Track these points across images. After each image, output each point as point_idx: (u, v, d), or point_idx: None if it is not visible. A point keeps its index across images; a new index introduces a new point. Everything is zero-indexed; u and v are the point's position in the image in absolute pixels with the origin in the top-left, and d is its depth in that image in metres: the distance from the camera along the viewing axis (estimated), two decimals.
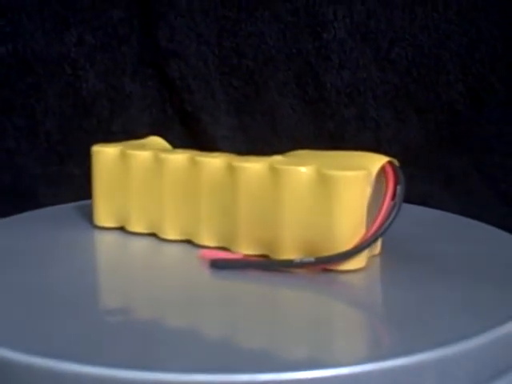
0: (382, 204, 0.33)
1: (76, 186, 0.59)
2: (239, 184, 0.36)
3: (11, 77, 0.60)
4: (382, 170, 0.34)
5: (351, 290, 0.33)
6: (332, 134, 0.60)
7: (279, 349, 0.27)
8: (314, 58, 0.60)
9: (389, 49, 0.59)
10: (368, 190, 0.34)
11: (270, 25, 0.60)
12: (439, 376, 0.26)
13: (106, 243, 0.40)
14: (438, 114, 0.58)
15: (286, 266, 0.34)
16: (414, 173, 0.56)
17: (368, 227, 0.34)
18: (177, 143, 0.43)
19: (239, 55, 0.61)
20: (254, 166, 0.35)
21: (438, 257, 0.37)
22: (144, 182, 0.39)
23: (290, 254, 0.34)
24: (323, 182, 0.33)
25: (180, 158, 0.38)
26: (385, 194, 0.34)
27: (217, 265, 0.35)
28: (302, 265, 0.33)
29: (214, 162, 0.37)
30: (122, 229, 0.41)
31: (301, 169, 0.34)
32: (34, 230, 0.42)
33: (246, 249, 0.36)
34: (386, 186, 0.34)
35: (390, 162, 0.35)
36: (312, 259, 0.33)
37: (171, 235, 0.39)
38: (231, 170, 0.36)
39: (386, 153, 0.35)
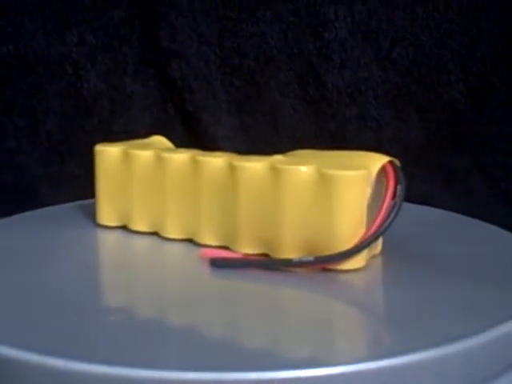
0: (383, 204, 0.33)
1: (77, 185, 0.59)
2: (240, 183, 0.36)
3: (12, 77, 0.60)
4: (383, 169, 0.34)
5: (351, 290, 0.33)
6: (333, 133, 0.60)
7: (280, 347, 0.27)
8: (315, 58, 0.60)
9: (390, 48, 0.59)
10: (368, 190, 0.34)
11: (272, 25, 0.60)
12: (439, 375, 0.26)
13: (108, 242, 0.40)
14: (438, 114, 0.58)
15: (285, 265, 0.34)
16: (414, 172, 0.56)
17: (368, 227, 0.34)
18: (178, 143, 0.43)
19: (240, 55, 0.61)
20: (255, 166, 0.35)
21: (439, 256, 0.37)
22: (146, 182, 0.39)
23: (290, 253, 0.34)
24: (323, 182, 0.33)
25: (182, 157, 0.38)
26: (385, 194, 0.34)
27: (216, 264, 0.35)
28: (301, 264, 0.34)
29: (215, 162, 0.37)
30: (124, 227, 0.41)
31: (301, 168, 0.34)
32: (35, 229, 0.42)
33: (246, 248, 0.36)
34: (387, 186, 0.34)
35: (390, 162, 0.35)
36: (311, 258, 0.33)
37: (173, 234, 0.39)
38: (232, 169, 0.36)
39: (386, 152, 0.35)
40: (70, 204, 0.47)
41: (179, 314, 0.30)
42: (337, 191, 0.33)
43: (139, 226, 0.40)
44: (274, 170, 0.35)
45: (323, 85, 0.60)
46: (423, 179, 0.58)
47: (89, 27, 0.61)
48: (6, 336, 0.27)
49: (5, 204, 0.59)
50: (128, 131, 0.61)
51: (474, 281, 0.33)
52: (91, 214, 0.43)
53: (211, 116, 0.62)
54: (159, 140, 0.43)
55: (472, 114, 0.58)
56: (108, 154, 0.41)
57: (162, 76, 0.63)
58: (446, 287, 0.32)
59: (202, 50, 0.61)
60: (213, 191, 0.37)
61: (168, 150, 0.40)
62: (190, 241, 0.39)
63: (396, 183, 0.34)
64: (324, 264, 0.34)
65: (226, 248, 0.37)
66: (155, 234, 0.40)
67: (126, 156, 0.40)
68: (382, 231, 0.33)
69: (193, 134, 0.63)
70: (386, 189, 0.34)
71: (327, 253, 0.33)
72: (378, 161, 0.34)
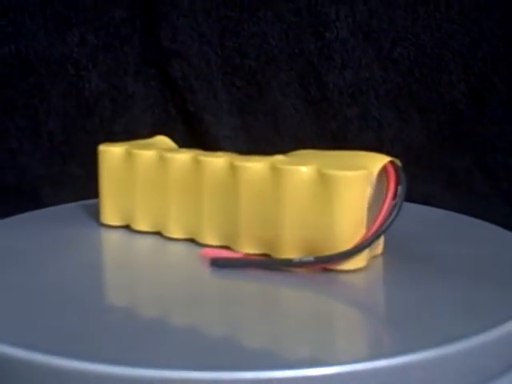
0: (383, 204, 0.33)
1: (79, 186, 0.59)
2: (241, 183, 0.36)
3: (14, 77, 0.60)
4: (384, 169, 0.34)
5: (351, 290, 0.33)
6: (334, 133, 0.60)
7: (280, 347, 0.27)
8: (316, 58, 0.60)
9: (391, 48, 0.58)
10: (368, 190, 0.34)
11: (273, 25, 0.60)
12: (439, 375, 0.26)
13: (110, 241, 0.41)
14: (440, 114, 0.58)
15: (286, 265, 0.34)
16: (416, 172, 0.56)
17: (369, 227, 0.34)
18: (179, 143, 0.43)
19: (242, 55, 0.61)
20: (256, 166, 0.35)
21: (440, 256, 0.37)
22: (149, 181, 0.40)
23: (290, 253, 0.34)
24: (324, 182, 0.33)
25: (183, 157, 0.38)
26: (386, 194, 0.34)
27: (217, 263, 0.35)
28: (301, 264, 0.34)
29: (216, 162, 0.37)
30: (127, 227, 0.41)
31: (302, 168, 0.34)
32: (38, 229, 0.42)
33: (247, 248, 0.36)
34: (387, 186, 0.34)
35: (391, 162, 0.35)
36: (311, 258, 0.33)
37: (175, 234, 0.39)
38: (233, 169, 0.36)
39: (388, 152, 0.35)
40: (73, 204, 0.47)
41: (180, 314, 0.30)
42: (337, 191, 0.33)
43: (142, 225, 0.40)
44: (275, 170, 0.35)
45: (324, 85, 0.60)
46: (424, 179, 0.58)
47: (90, 27, 0.61)
48: (9, 336, 0.27)
49: (6, 204, 0.59)
50: (129, 131, 0.61)
51: (474, 281, 0.33)
52: (94, 214, 0.43)
53: (212, 116, 0.62)
54: (162, 140, 0.43)
55: (473, 114, 0.58)
56: (111, 154, 0.41)
57: (164, 76, 0.63)
58: (446, 287, 0.32)
59: (203, 50, 0.61)
60: (214, 191, 0.37)
61: (170, 150, 0.40)
62: (192, 240, 0.39)
63: (397, 183, 0.34)
64: (324, 264, 0.34)
65: (227, 248, 0.37)
66: (158, 233, 0.40)
67: (129, 156, 0.40)
68: (382, 231, 0.33)
69: (194, 134, 0.63)
70: (387, 189, 0.34)
71: (328, 253, 0.33)
72: (378, 161, 0.34)
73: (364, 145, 0.39)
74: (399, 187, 0.34)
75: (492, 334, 0.27)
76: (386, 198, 0.34)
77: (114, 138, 0.45)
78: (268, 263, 0.35)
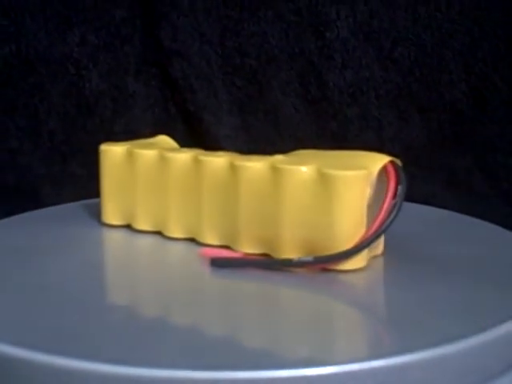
0: (383, 204, 0.33)
1: (79, 185, 0.60)
2: (241, 183, 0.36)
3: (14, 77, 0.60)
4: (384, 169, 0.34)
5: (351, 290, 0.33)
6: (335, 133, 0.60)
7: (280, 347, 0.27)
8: (316, 58, 0.60)
9: (391, 48, 0.58)
10: (368, 190, 0.34)
11: (273, 24, 0.60)
12: (438, 375, 0.26)
13: (111, 241, 0.41)
14: (440, 114, 0.58)
15: (285, 265, 0.34)
16: (416, 172, 0.56)
17: (368, 227, 0.34)
18: (179, 143, 0.43)
19: (242, 55, 0.61)
20: (256, 165, 0.35)
21: (440, 256, 0.37)
22: (150, 181, 0.40)
23: (290, 252, 0.34)
24: (324, 182, 0.33)
25: (184, 157, 0.38)
26: (386, 194, 0.34)
27: (217, 263, 0.35)
28: (301, 264, 0.34)
29: (217, 161, 0.37)
30: (128, 226, 0.41)
31: (301, 168, 0.34)
32: (39, 228, 0.42)
33: (247, 247, 0.36)
34: (387, 186, 0.34)
35: (392, 162, 0.35)
36: (311, 258, 0.33)
37: (176, 233, 0.39)
38: (233, 168, 0.36)
39: (388, 152, 0.35)
40: (74, 203, 0.47)
41: (180, 314, 0.30)
42: (337, 191, 0.33)
43: (142, 225, 0.40)
44: (275, 170, 0.35)
45: (325, 84, 0.60)
46: (425, 179, 0.58)
47: (90, 27, 0.61)
48: (10, 335, 0.27)
49: (6, 204, 0.59)
50: (130, 131, 0.61)
51: (474, 281, 0.33)
52: (95, 213, 0.43)
53: (213, 115, 0.62)
54: (164, 139, 0.43)
55: (474, 114, 0.57)
56: (113, 154, 0.41)
57: (164, 76, 0.63)
58: (446, 287, 0.32)
59: (203, 50, 0.61)
60: (214, 191, 0.37)
61: (171, 149, 0.40)
62: (192, 240, 0.39)
63: (397, 183, 0.34)
64: (324, 264, 0.34)
65: (227, 247, 0.37)
66: (158, 233, 0.40)
67: (131, 155, 0.40)
68: (382, 231, 0.33)
69: (194, 134, 0.63)
70: (387, 189, 0.34)
71: (327, 253, 0.33)
72: (378, 161, 0.34)
73: (364, 145, 0.39)
74: (399, 187, 0.34)
75: (491, 334, 0.27)
76: (385, 197, 0.34)
77: (114, 137, 0.45)
78: (268, 263, 0.35)
